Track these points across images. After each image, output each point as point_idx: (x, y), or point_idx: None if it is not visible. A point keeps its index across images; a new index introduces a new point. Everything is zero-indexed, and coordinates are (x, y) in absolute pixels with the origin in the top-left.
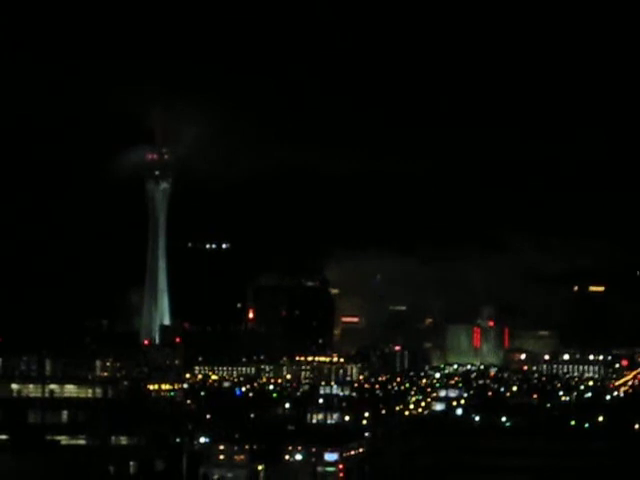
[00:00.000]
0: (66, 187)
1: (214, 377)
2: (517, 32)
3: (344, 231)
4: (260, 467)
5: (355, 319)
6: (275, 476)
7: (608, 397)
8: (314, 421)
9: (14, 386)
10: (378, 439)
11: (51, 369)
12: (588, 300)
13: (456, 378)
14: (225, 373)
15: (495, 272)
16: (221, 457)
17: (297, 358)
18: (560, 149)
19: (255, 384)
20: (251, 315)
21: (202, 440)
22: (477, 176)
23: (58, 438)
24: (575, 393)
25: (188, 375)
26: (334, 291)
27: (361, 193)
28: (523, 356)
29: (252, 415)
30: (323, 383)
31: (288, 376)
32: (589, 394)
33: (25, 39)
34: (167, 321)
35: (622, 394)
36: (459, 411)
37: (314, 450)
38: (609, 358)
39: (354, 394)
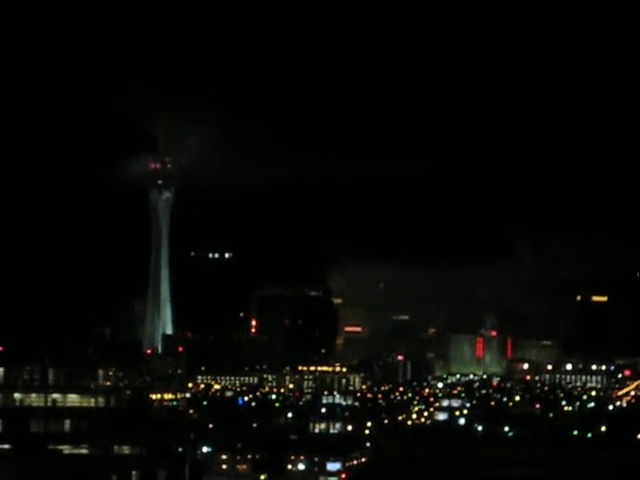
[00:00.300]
0: (70, 195)
1: (216, 386)
2: (517, 32)
3: (347, 241)
4: (263, 477)
5: (358, 329)
6: None
7: (611, 407)
8: (317, 431)
9: (17, 395)
10: (381, 449)
11: (54, 378)
12: (591, 310)
13: (459, 388)
14: (228, 382)
15: (498, 282)
16: (223, 467)
17: (300, 368)
18: (563, 151)
19: (258, 393)
20: (254, 324)
21: (205, 449)
22: (481, 186)
23: (61, 447)
24: (578, 403)
25: (190, 384)
26: (337, 301)
27: (364, 203)
28: (526, 366)
29: (254, 424)
30: (326, 392)
31: (291, 385)
32: (592, 404)
33: (28, 43)
34: (170, 330)
35: (625, 404)
36: (462, 421)
37: (317, 460)
38: (612, 368)
39: (357, 404)
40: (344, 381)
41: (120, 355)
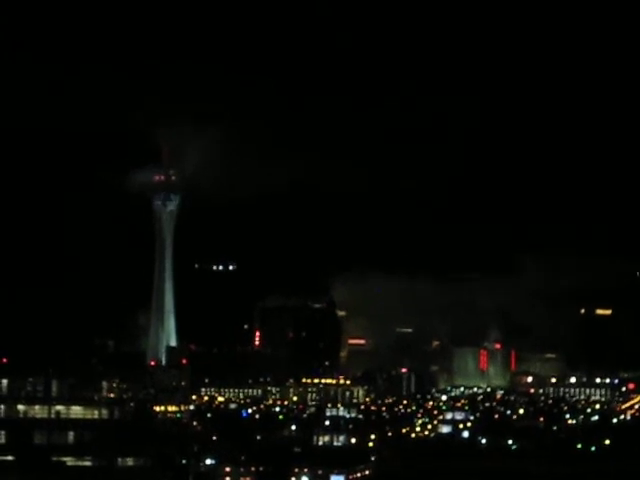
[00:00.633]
0: (74, 207)
1: (220, 399)
2: (517, 33)
3: (351, 253)
4: None
5: (362, 341)
6: None
7: (615, 420)
8: (320, 443)
9: (20, 407)
10: (384, 461)
11: (57, 390)
12: (595, 323)
13: (463, 401)
14: (231, 395)
15: (502, 295)
16: (227, 479)
17: (303, 380)
18: (565, 160)
19: (261, 406)
20: (257, 336)
21: (208, 462)
22: (483, 196)
23: (64, 459)
24: (582, 416)
25: (194, 396)
26: (341, 313)
27: (368, 214)
28: (530, 379)
29: (258, 437)
30: (329, 405)
31: (294, 398)
32: (596, 417)
33: (28, 44)
34: (173, 342)
35: (629, 417)
36: (465, 433)
37: (320, 472)
38: (616, 381)
39: (360, 416)
40: (348, 394)
41: (124, 367)
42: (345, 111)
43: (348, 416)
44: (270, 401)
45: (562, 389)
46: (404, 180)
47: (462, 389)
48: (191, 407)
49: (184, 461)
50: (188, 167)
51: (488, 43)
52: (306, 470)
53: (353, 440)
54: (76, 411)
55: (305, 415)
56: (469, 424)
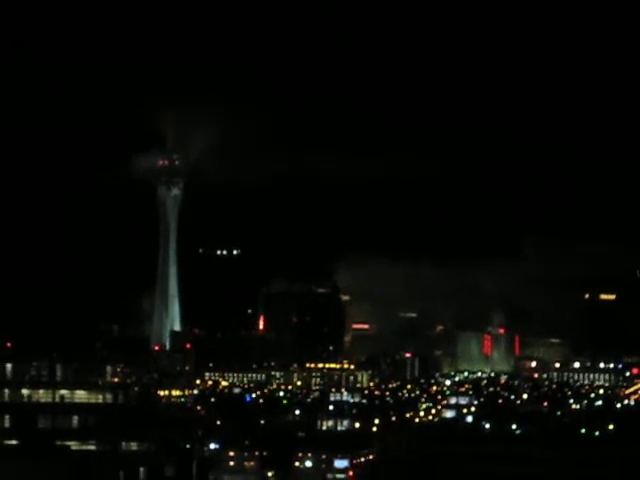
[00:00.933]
0: (78, 192)
1: (224, 383)
2: (516, 33)
3: (355, 237)
4: (270, 473)
5: (365, 326)
6: None
7: (619, 405)
8: (324, 428)
9: (24, 391)
10: (388, 446)
11: (61, 374)
12: (599, 308)
13: (466, 385)
14: (235, 379)
15: (506, 279)
16: (231, 463)
17: (307, 365)
18: (568, 150)
19: (265, 390)
20: (261, 321)
21: (212, 446)
22: (487, 181)
23: (68, 443)
24: (586, 401)
25: (198, 381)
26: (345, 298)
27: (372, 199)
28: (534, 364)
29: (262, 421)
30: (333, 390)
31: (298, 383)
32: (600, 402)
33: (28, 40)
34: (177, 327)
35: (633, 402)
36: (469, 418)
37: (324, 457)
38: (620, 366)
39: (364, 401)
40: (352, 378)
41: (128, 351)
42: (347, 101)
43: (352, 401)
44: (274, 386)
45: (566, 374)
46: (406, 165)
47: (466, 374)
48: (195, 392)
49: (188, 445)
50: (192, 152)
51: (488, 43)
52: (310, 454)
53: (357, 425)
54: (80, 395)
55: (309, 400)
56: (473, 409)
